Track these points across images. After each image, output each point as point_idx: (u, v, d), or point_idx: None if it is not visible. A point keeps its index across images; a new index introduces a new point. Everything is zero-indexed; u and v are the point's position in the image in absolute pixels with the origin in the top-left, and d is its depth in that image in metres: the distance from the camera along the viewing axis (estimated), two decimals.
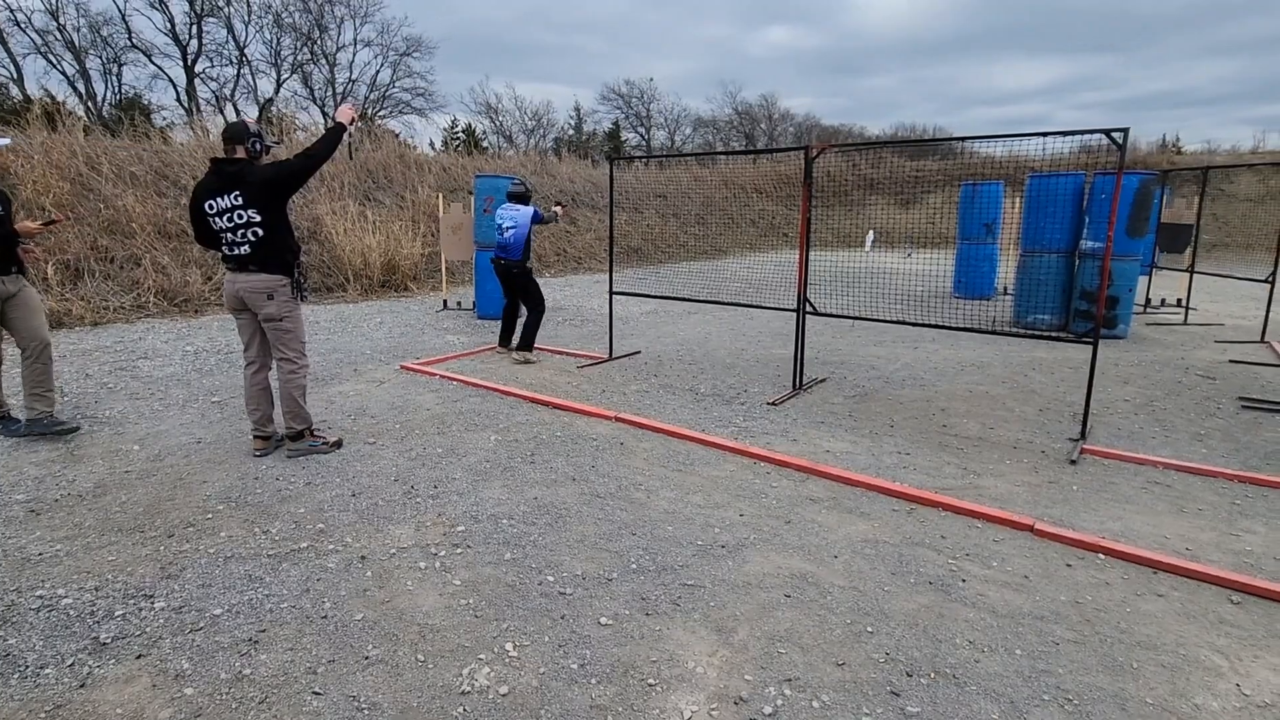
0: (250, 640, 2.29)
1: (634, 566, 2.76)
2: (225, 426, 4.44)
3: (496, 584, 2.63)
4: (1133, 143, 21.62)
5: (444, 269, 9.94)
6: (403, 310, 9.22)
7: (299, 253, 3.84)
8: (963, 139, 5.69)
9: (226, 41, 27.50)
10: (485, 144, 29.85)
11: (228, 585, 2.61)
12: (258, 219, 3.60)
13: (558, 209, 6.67)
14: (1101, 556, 2.89)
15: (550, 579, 2.66)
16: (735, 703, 2.01)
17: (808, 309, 5.42)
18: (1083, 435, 4.27)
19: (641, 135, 37.20)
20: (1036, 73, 53.63)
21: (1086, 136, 4.35)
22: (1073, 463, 3.92)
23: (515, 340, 6.33)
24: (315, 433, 3.99)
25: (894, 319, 5.40)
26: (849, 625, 2.40)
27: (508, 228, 6.02)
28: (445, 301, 9.49)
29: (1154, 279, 9.68)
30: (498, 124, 33.94)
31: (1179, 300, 9.28)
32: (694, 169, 22.50)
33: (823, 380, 5.74)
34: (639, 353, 6.79)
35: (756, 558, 2.85)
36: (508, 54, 48.06)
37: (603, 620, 2.40)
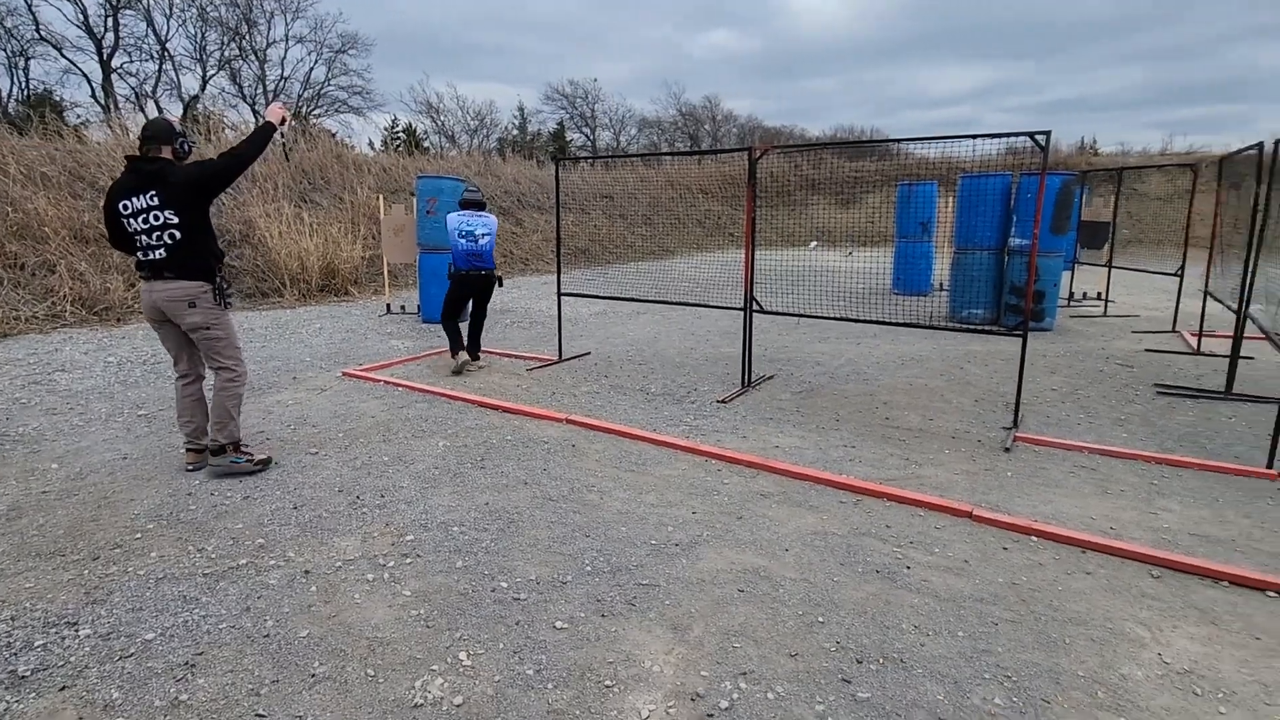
0: (187, 664, 2.18)
1: (588, 568, 2.76)
2: (154, 441, 4.21)
3: (448, 593, 2.58)
4: (1054, 145, 22.68)
5: (386, 272, 9.69)
6: (344, 315, 8.95)
7: (222, 258, 3.63)
8: (898, 140, 5.90)
9: (146, 35, 26.14)
10: (427, 144, 29.25)
11: (160, 608, 2.48)
12: (175, 221, 3.38)
13: None
14: (1035, 539, 3.03)
15: (504, 585, 2.63)
16: (692, 699, 2.03)
17: (755, 307, 5.50)
18: (1015, 424, 4.48)
19: (587, 136, 37.12)
20: (964, 78, 55.96)
21: (1012, 139, 4.57)
22: (1007, 450, 4.10)
23: (465, 358, 5.99)
24: (242, 449, 3.75)
25: (837, 316, 5.54)
26: (801, 616, 2.45)
27: (482, 235, 5.70)
28: (389, 306, 9.25)
29: (1076, 274, 10.22)
30: (439, 124, 33.31)
31: (1099, 294, 9.82)
32: (640, 169, 22.58)
33: (770, 377, 5.84)
34: (589, 354, 6.77)
35: (710, 554, 2.88)
36: (448, 53, 47.23)
37: (558, 624, 2.39)
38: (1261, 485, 3.60)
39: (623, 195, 19.73)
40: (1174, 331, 7.69)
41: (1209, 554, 2.87)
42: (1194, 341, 6.88)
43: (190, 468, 3.71)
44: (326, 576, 2.70)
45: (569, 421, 4.60)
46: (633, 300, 7.35)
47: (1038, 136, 4.26)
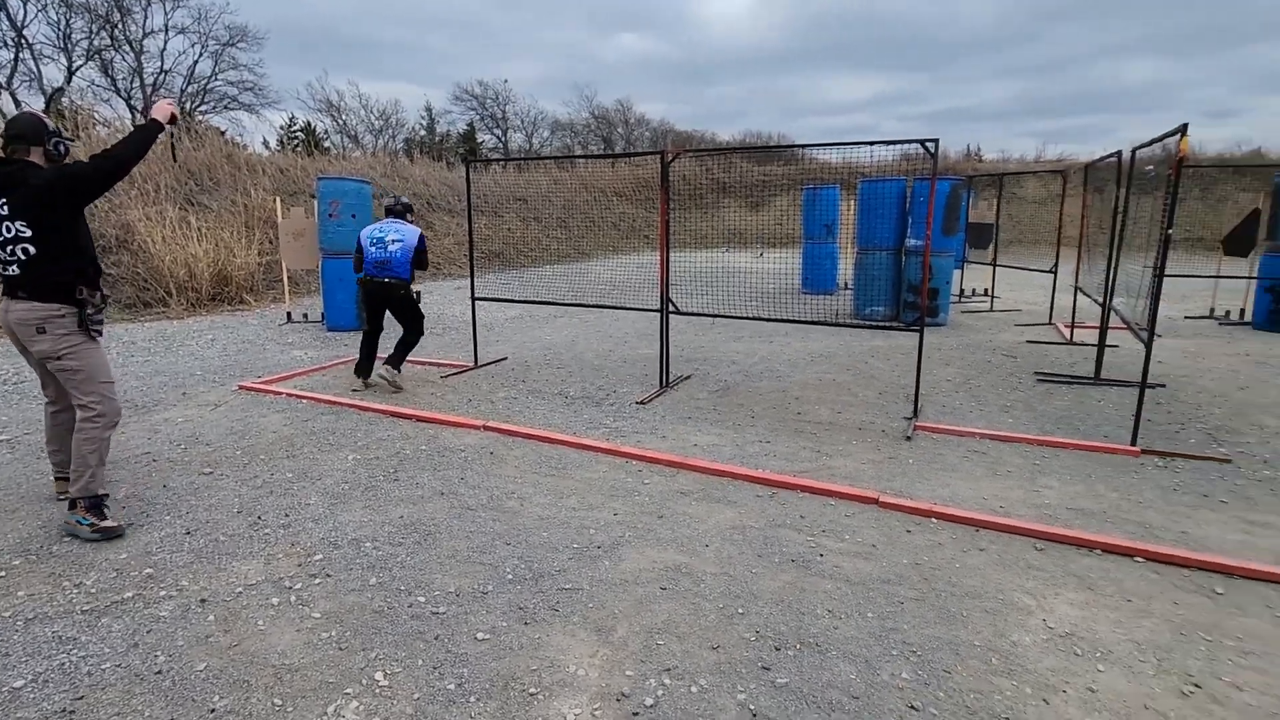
0: (64, 711, 1.99)
1: (510, 577, 2.71)
2: (17, 468, 3.81)
3: (362, 611, 2.47)
4: (943, 151, 24.26)
5: (286, 279, 9.18)
6: (239, 325, 8.40)
7: (96, 277, 3.09)
8: (800, 146, 6.14)
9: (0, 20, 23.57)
10: (328, 144, 27.88)
11: (31, 651, 2.25)
12: (27, 234, 2.90)
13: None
14: (935, 520, 3.23)
15: (421, 599, 2.55)
16: (618, 699, 2.04)
17: (671, 309, 5.59)
18: (915, 414, 4.76)
19: (498, 137, 36.49)
20: (862, 87, 58.85)
21: (906, 146, 4.86)
22: (908, 439, 4.35)
23: (378, 363, 5.54)
24: (102, 508, 3.09)
25: (749, 315, 5.70)
26: (721, 610, 2.50)
27: (393, 240, 5.26)
28: (289, 314, 8.77)
29: (965, 272, 10.96)
30: (341, 123, 31.83)
31: (986, 290, 10.57)
32: (554, 172, 22.44)
33: (688, 377, 5.94)
34: (505, 359, 6.66)
35: (633, 554, 2.90)
36: (348, 49, 45.22)
37: (479, 635, 2.34)
38: (1127, 461, 3.98)
39: (537, 198, 19.55)
40: (1050, 324, 8.38)
41: (1084, 526, 3.15)
42: (1067, 332, 7.53)
43: (61, 497, 3.34)
44: (225, 604, 2.52)
45: (487, 428, 4.51)
46: (549, 304, 7.29)
47: (928, 144, 4.54)
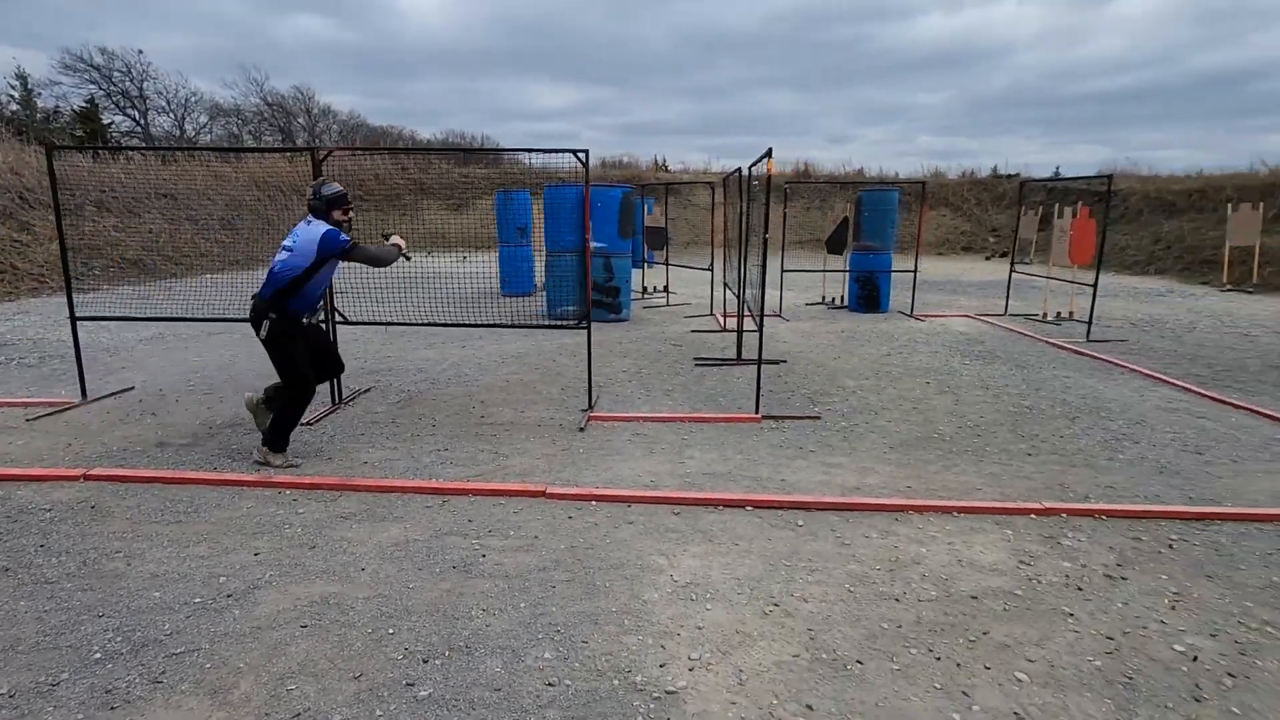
0: None
1: (97, 656, 2.23)
2: None
3: None
4: (634, 160, 26.65)
5: None
6: None
7: None
8: (463, 150, 6.14)
9: None
10: None
11: None
12: None
13: (397, 241, 4.23)
14: (594, 503, 3.49)
15: None
16: None
17: (339, 319, 5.16)
18: (590, 405, 5.10)
19: (136, 119, 30.09)
20: (563, 95, 61.60)
21: (563, 156, 5.15)
22: (581, 430, 4.64)
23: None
24: None
25: (424, 321, 5.54)
26: (371, 634, 2.38)
27: (284, 251, 3.86)
28: None
29: (647, 271, 12.14)
30: None
31: (664, 287, 11.83)
32: (215, 166, 19.26)
33: (367, 390, 5.57)
34: (132, 389, 5.51)
35: (272, 596, 2.60)
36: None
37: None
38: (752, 427, 4.76)
39: (190, 195, 16.59)
40: (711, 315, 9.70)
41: (712, 487, 3.68)
42: (724, 321, 8.78)
43: None
44: None
45: (88, 477, 3.67)
46: (194, 320, 6.21)
47: (579, 154, 4.88)
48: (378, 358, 6.82)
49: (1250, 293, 11.73)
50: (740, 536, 3.14)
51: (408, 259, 4.36)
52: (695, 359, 6.82)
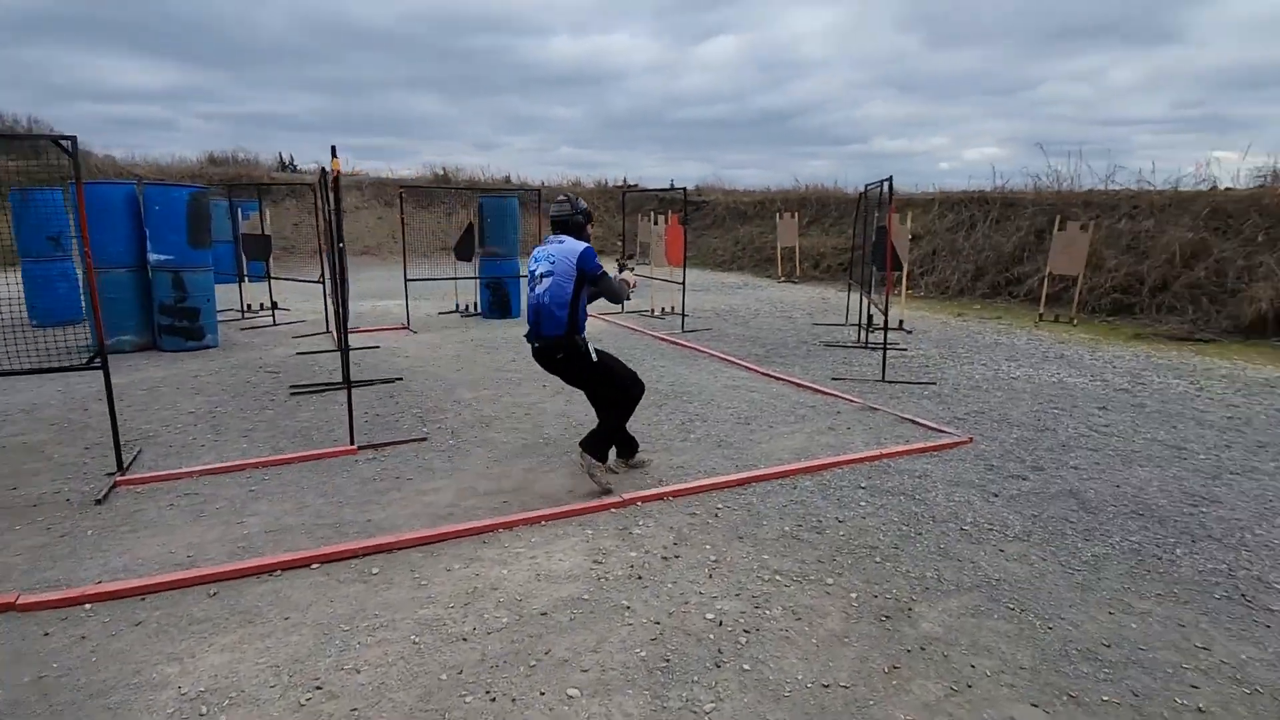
0: None
1: None
2: None
3: None
4: (255, 158, 22.85)
5: None
6: None
7: None
8: None
9: None
10: None
11: None
12: None
13: (628, 274, 3.93)
14: (87, 606, 2.60)
15: None
16: None
17: None
18: (120, 467, 3.94)
19: None
20: (154, 75, 50.19)
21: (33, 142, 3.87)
22: (99, 502, 3.53)
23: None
24: None
25: None
26: None
27: (543, 273, 3.53)
28: None
29: (248, 286, 10.36)
30: None
31: (271, 304, 10.24)
32: None
33: None
34: None
35: None
36: None
37: None
38: (346, 461, 4.20)
39: None
40: (328, 332, 8.66)
41: (272, 549, 3.06)
42: (338, 339, 7.86)
43: None
44: None
45: None
46: None
47: (63, 142, 3.71)
48: None
49: (796, 283, 15.01)
50: (294, 606, 2.62)
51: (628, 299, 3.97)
52: (293, 386, 5.91)
